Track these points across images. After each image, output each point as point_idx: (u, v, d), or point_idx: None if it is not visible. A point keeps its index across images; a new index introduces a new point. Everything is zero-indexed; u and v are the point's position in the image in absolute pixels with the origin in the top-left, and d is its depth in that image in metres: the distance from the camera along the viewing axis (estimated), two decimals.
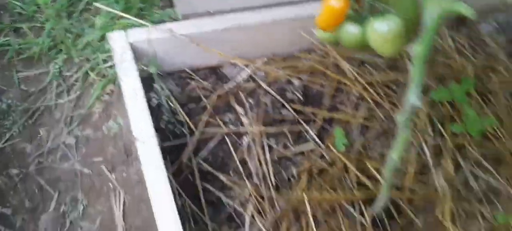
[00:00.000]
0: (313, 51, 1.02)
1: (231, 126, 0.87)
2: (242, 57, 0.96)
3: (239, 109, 0.89)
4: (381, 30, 0.52)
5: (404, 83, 1.00)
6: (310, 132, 0.88)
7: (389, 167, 0.68)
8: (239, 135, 0.86)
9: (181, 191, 0.78)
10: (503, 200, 0.84)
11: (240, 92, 0.92)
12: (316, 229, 0.74)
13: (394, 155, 0.66)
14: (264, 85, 0.94)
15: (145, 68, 0.87)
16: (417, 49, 0.52)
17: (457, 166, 0.87)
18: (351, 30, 0.55)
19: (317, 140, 0.87)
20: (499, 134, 0.91)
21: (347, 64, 0.97)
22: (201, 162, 0.81)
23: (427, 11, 0.49)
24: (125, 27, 0.90)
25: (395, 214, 0.80)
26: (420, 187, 0.84)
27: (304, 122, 0.90)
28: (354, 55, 1.02)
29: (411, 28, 0.54)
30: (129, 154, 0.84)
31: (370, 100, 0.94)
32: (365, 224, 0.77)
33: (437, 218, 0.80)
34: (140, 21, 0.91)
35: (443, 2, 0.48)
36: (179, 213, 0.70)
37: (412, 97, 0.56)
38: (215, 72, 0.95)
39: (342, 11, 0.54)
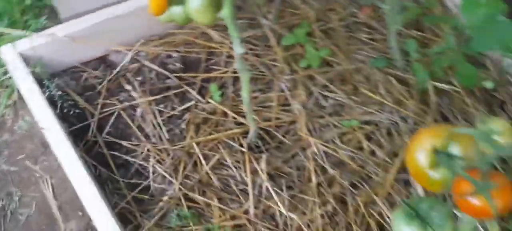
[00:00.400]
0: (186, 26, 1.25)
1: (125, 102, 1.09)
2: (124, 43, 1.18)
3: (129, 87, 1.11)
4: (194, 6, 0.74)
5: (265, 36, 1.27)
6: (192, 92, 1.13)
7: (245, 102, 0.94)
8: (133, 108, 1.09)
9: (95, 162, 1.00)
10: (347, 110, 1.14)
11: (128, 74, 1.14)
12: (206, 162, 1.00)
13: (244, 93, 0.92)
14: (147, 63, 1.16)
15: (36, 71, 1.06)
16: (224, 13, 0.76)
17: (310, 92, 1.15)
18: (176, 11, 0.76)
19: (198, 97, 1.12)
20: (339, 59, 1.21)
21: (212, 32, 1.22)
22: (106, 136, 1.04)
23: None
24: (13, 41, 1.08)
25: (268, 139, 1.08)
26: (284, 114, 1.12)
27: (186, 85, 1.14)
28: (219, 22, 1.27)
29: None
30: (45, 145, 1.03)
31: None
32: (244, 150, 1.03)
33: (299, 135, 1.08)
34: (24, 32, 1.09)
35: None
36: (97, 180, 0.93)
37: (236, 48, 0.81)
38: (103, 61, 1.16)
39: None
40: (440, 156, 0.47)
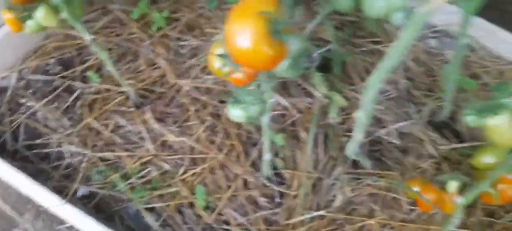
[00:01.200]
0: (53, 35, 1.61)
1: (27, 113, 1.46)
2: (6, 68, 1.53)
3: (24, 100, 1.47)
4: (39, 17, 1.05)
5: (118, 18, 1.66)
6: (76, 83, 1.52)
7: (114, 74, 1.35)
8: (34, 114, 1.46)
9: (23, 164, 1.37)
10: (201, 49, 1.58)
11: (20, 90, 1.50)
12: (106, 129, 1.40)
13: (109, 68, 1.32)
14: (31, 76, 1.52)
15: None
16: (64, 15, 1.14)
17: (169, 47, 1.57)
18: (30, 24, 1.08)
19: (82, 85, 1.51)
20: (183, 13, 1.64)
21: (74, 32, 1.59)
22: (22, 142, 1.41)
23: None
24: None
25: (148, 94, 1.50)
26: (155, 72, 1.54)
27: (69, 80, 1.52)
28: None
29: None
30: None
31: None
32: (131, 110, 1.44)
33: (171, 82, 1.51)
34: None
35: None
36: (31, 175, 1.30)
37: (85, 37, 1.21)
38: None
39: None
40: (220, 57, 0.90)
